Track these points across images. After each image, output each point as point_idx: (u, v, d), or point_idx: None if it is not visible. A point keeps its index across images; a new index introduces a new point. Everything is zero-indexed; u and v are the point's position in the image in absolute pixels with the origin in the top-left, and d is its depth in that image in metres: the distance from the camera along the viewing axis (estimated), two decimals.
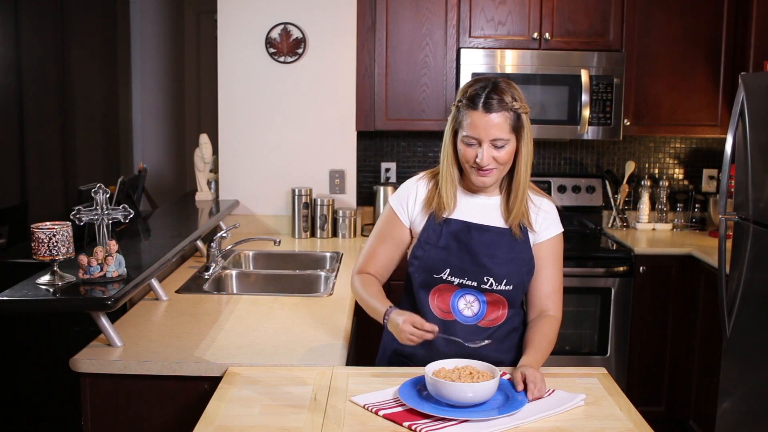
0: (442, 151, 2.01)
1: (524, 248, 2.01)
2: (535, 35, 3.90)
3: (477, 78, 1.98)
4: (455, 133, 1.97)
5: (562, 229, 2.08)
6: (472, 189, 2.03)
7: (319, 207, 3.94)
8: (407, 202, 2.07)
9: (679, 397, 3.83)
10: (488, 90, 1.90)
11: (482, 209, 2.03)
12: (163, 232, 3.28)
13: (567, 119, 3.89)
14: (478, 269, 1.98)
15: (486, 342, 1.94)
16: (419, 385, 1.81)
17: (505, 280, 1.98)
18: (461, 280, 1.99)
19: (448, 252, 1.99)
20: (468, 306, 2.01)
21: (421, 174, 2.11)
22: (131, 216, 2.32)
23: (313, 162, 4.01)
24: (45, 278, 2.15)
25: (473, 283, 1.99)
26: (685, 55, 3.97)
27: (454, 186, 2.01)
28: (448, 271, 1.99)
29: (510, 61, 3.85)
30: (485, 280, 1.98)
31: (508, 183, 2.01)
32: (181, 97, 6.06)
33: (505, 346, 2.03)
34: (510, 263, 1.98)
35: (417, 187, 2.08)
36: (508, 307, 2.03)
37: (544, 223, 2.04)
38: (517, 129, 1.92)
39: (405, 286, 2.13)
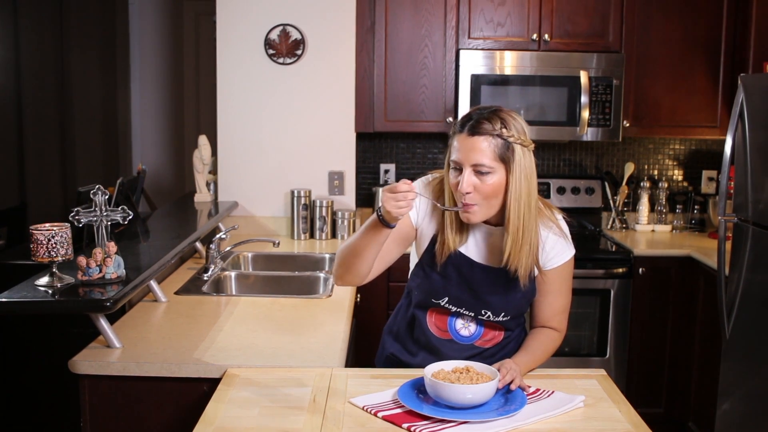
0: (445, 183, 1.90)
1: (528, 284, 1.92)
2: (535, 36, 3.90)
3: (477, 106, 1.88)
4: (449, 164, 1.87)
5: (573, 252, 1.97)
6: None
7: (318, 208, 3.94)
8: (419, 202, 1.96)
9: (679, 399, 3.83)
10: (481, 115, 1.80)
11: (486, 241, 1.93)
12: (162, 234, 3.28)
13: (566, 120, 3.89)
14: (477, 302, 1.94)
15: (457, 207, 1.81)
16: (418, 387, 1.81)
17: (503, 313, 1.95)
18: (459, 309, 1.97)
19: (448, 281, 1.94)
20: (465, 326, 2.00)
21: (430, 178, 2.00)
22: (130, 217, 2.31)
23: (312, 163, 4.01)
24: (44, 280, 2.15)
25: (471, 313, 1.96)
26: (685, 56, 3.97)
27: (455, 224, 1.89)
28: (446, 299, 1.96)
29: (509, 63, 3.85)
30: (483, 313, 1.95)
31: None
32: (180, 98, 6.06)
33: (496, 360, 1.99)
34: (510, 297, 1.93)
35: (427, 193, 1.96)
36: (504, 330, 2.02)
37: (551, 253, 1.93)
38: (504, 159, 1.78)
39: (405, 295, 2.11)
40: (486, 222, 1.92)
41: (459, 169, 1.81)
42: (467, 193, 1.79)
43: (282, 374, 1.95)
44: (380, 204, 1.76)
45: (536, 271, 1.94)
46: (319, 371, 1.97)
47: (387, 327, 2.18)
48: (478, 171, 1.78)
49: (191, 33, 6.02)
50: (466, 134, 1.79)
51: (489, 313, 1.95)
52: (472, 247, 1.94)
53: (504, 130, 1.78)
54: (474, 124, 1.79)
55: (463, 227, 1.92)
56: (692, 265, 3.72)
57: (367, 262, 1.87)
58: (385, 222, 1.77)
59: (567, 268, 1.97)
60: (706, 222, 4.32)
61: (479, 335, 2.00)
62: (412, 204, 1.71)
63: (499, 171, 1.79)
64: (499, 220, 1.90)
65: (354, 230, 3.98)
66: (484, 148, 1.78)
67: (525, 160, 1.81)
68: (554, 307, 1.99)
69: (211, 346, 2.17)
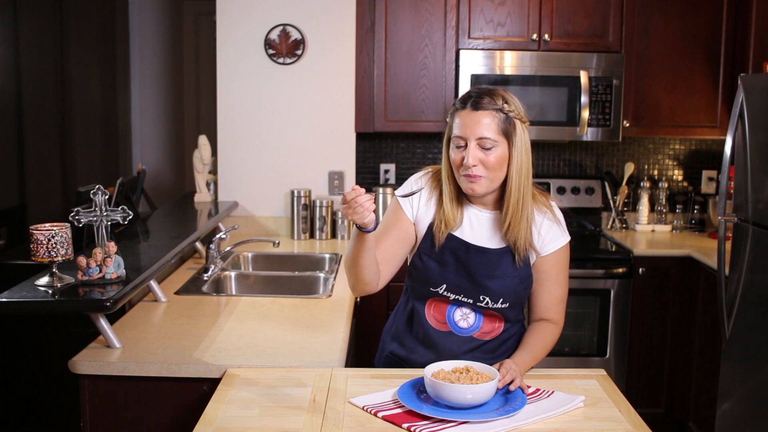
0: (442, 165, 1.96)
1: (524, 266, 1.97)
2: (535, 36, 3.90)
3: (478, 86, 1.95)
4: (449, 142, 1.92)
5: (568, 239, 2.00)
6: (471, 201, 1.98)
7: (318, 208, 3.94)
8: (412, 197, 2.01)
9: (679, 399, 3.83)
10: (481, 92, 1.88)
11: (484, 226, 1.97)
12: (162, 234, 3.28)
13: (566, 121, 3.89)
14: (475, 288, 1.95)
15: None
16: (418, 387, 1.81)
17: (501, 299, 1.96)
18: (457, 297, 1.97)
19: (445, 267, 1.96)
20: (464, 318, 2.00)
21: (423, 172, 2.05)
22: (130, 217, 2.31)
23: (312, 163, 4.01)
24: (44, 280, 2.15)
25: (469, 300, 1.97)
26: (685, 56, 3.97)
27: (454, 202, 1.95)
28: (444, 286, 1.97)
29: (509, 63, 3.85)
30: (481, 299, 1.96)
31: (504, 196, 1.93)
32: (180, 98, 6.06)
33: (496, 355, 2.01)
34: (508, 283, 1.95)
35: (422, 185, 2.01)
36: (504, 321, 2.02)
37: (547, 238, 1.97)
38: (507, 133, 1.85)
39: (403, 293, 2.13)
40: (481, 205, 1.97)
41: (461, 146, 1.87)
42: (473, 166, 1.84)
43: (282, 374, 1.95)
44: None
45: (533, 258, 1.97)
46: (319, 371, 1.97)
47: (386, 328, 2.19)
48: (483, 145, 1.84)
49: (191, 33, 6.02)
50: (470, 110, 1.85)
51: (487, 299, 1.95)
52: (468, 231, 1.97)
53: (506, 105, 1.86)
54: (477, 100, 1.86)
55: (460, 207, 1.96)
56: (692, 265, 3.72)
57: (368, 269, 1.89)
58: (362, 228, 1.80)
59: (563, 255, 2.00)
60: (706, 222, 4.32)
61: (478, 327, 2.00)
62: (369, 205, 1.72)
63: (502, 144, 1.86)
64: (494, 201, 1.96)
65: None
66: (488, 122, 1.84)
67: (524, 136, 1.89)
68: (552, 295, 2.00)
69: (211, 346, 2.17)
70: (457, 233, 1.97)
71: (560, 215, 2.01)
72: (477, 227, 1.97)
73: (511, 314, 2.01)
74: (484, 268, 1.94)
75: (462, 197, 1.97)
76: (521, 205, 1.90)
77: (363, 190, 1.72)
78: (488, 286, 1.94)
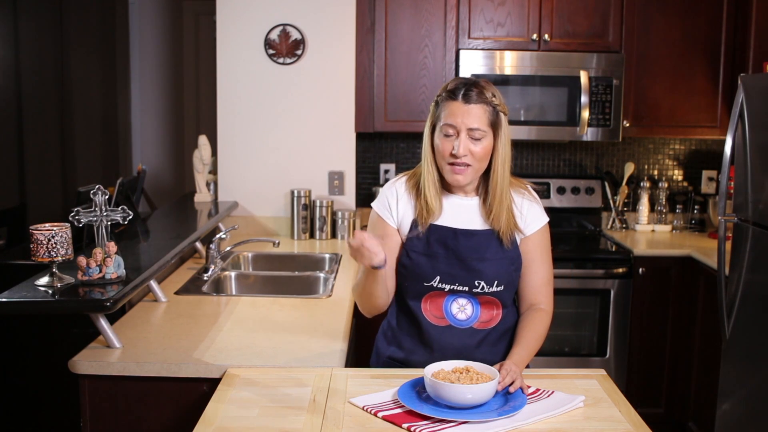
0: (423, 151, 2.00)
1: (512, 247, 2.00)
2: (535, 36, 3.90)
3: (456, 78, 2.00)
4: (434, 130, 1.96)
5: (548, 219, 2.06)
6: (451, 191, 2.02)
7: (318, 208, 3.94)
8: (389, 204, 2.05)
9: (679, 399, 3.83)
10: (468, 84, 1.92)
11: (464, 211, 2.01)
12: (162, 234, 3.28)
13: (566, 121, 3.89)
14: (469, 274, 1.96)
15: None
16: (418, 387, 1.81)
17: (495, 282, 1.97)
18: (452, 286, 1.98)
19: (436, 259, 1.97)
20: (461, 310, 2.00)
21: (397, 177, 2.10)
22: (130, 217, 2.31)
23: (312, 163, 4.01)
24: (44, 280, 2.15)
25: (464, 288, 1.98)
26: (685, 56, 3.97)
27: (436, 189, 1.99)
28: (438, 278, 1.98)
29: (509, 63, 3.85)
30: (476, 284, 1.97)
31: (485, 184, 2.00)
32: (180, 98, 6.06)
33: (497, 348, 2.02)
34: (499, 264, 1.97)
35: (396, 189, 2.06)
36: (501, 307, 2.03)
37: (529, 217, 2.02)
38: (494, 125, 1.92)
39: (396, 294, 2.12)
40: (461, 193, 2.02)
41: (450, 135, 1.92)
42: (463, 156, 1.90)
43: (282, 374, 1.95)
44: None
45: (519, 238, 2.02)
46: (319, 371, 1.97)
47: (379, 334, 2.18)
48: (472, 136, 1.90)
49: (191, 33, 6.02)
50: (462, 102, 1.91)
51: (482, 282, 1.96)
52: (450, 218, 2.01)
53: (494, 99, 1.92)
54: (467, 93, 1.91)
55: (440, 196, 2.01)
56: (692, 265, 3.72)
57: (381, 294, 1.97)
58: (373, 267, 1.86)
59: (545, 235, 2.06)
60: (706, 222, 4.32)
61: (476, 317, 2.00)
62: (376, 249, 1.79)
63: (489, 136, 1.93)
64: (473, 189, 2.02)
65: (354, 230, 3.97)
66: (480, 114, 1.91)
67: (507, 127, 1.97)
68: (539, 276, 2.04)
69: (211, 346, 2.18)
70: (439, 222, 2.00)
71: (537, 196, 2.08)
72: (459, 214, 2.01)
73: (506, 298, 2.02)
74: (474, 251, 1.97)
75: (441, 186, 2.01)
76: (503, 194, 1.97)
77: (366, 235, 1.78)
78: (481, 270, 1.96)
